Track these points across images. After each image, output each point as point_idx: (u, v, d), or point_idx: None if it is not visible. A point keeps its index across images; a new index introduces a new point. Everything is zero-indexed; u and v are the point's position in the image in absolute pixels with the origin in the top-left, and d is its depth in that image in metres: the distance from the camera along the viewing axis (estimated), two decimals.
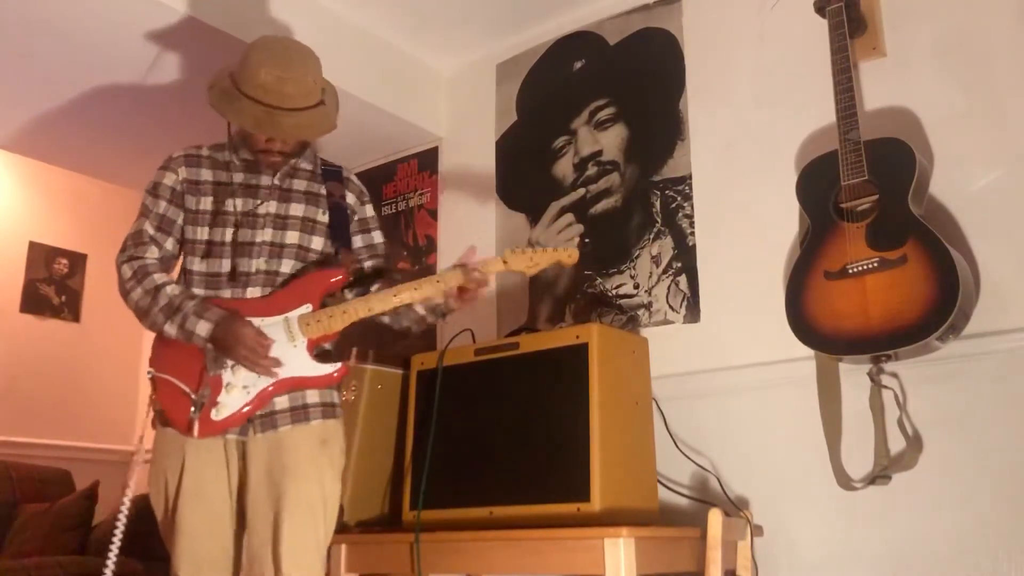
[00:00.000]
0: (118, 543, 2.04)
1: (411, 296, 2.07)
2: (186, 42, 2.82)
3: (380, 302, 2.07)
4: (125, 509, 2.07)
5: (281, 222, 2.12)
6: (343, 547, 2.53)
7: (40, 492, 3.63)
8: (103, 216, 4.46)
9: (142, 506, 2.22)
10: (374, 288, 2.18)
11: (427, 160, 3.60)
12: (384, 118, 3.38)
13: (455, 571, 2.35)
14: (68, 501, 3.47)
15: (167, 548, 2.06)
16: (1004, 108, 2.30)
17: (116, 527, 2.05)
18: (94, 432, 4.26)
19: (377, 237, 2.29)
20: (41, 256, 4.29)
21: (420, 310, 2.18)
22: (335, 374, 2.06)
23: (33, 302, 4.22)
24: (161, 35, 2.82)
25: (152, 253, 2.08)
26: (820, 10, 2.45)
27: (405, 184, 3.64)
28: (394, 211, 3.64)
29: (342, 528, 2.55)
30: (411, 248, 3.54)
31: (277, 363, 1.99)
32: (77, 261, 4.40)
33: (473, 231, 3.29)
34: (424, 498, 2.46)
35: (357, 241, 2.25)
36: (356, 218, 2.25)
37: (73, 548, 3.29)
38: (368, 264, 2.26)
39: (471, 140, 3.47)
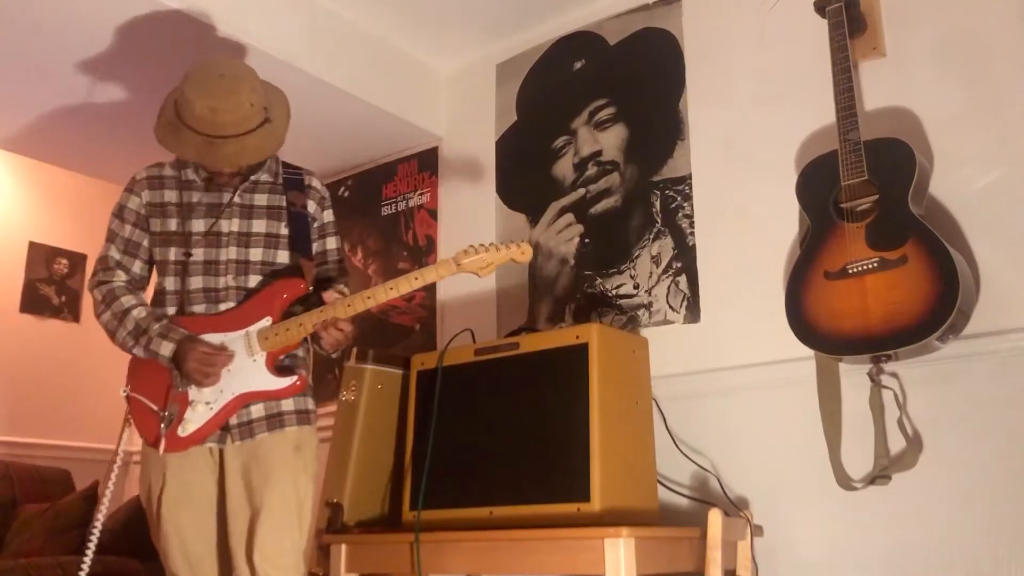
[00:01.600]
0: (94, 546, 2.09)
1: (364, 304, 2.07)
2: (187, 41, 2.82)
3: (334, 312, 2.07)
4: (101, 516, 2.14)
5: (244, 239, 2.14)
6: (343, 547, 2.52)
7: (40, 492, 3.63)
8: (103, 216, 4.34)
9: (143, 507, 2.24)
10: (326, 295, 2.19)
11: (427, 160, 3.59)
12: (384, 118, 3.38)
13: (455, 571, 2.35)
14: (68, 501, 3.47)
15: (158, 550, 2.11)
16: (1004, 108, 2.29)
17: (92, 534, 2.10)
18: (94, 432, 4.25)
19: (331, 243, 2.29)
20: (41, 256, 4.28)
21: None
22: (297, 383, 2.09)
23: (33, 302, 4.21)
24: (161, 34, 2.82)
25: (119, 277, 2.15)
26: (820, 10, 2.45)
27: (405, 184, 3.64)
28: (394, 211, 3.64)
29: (342, 528, 2.55)
30: (411, 248, 3.54)
31: (217, 376, 2.02)
32: (77, 261, 4.39)
33: (473, 231, 3.28)
34: (424, 498, 2.46)
35: (315, 247, 2.26)
36: (315, 224, 2.27)
37: (73, 548, 3.28)
38: (317, 270, 2.25)
39: (471, 140, 3.47)
